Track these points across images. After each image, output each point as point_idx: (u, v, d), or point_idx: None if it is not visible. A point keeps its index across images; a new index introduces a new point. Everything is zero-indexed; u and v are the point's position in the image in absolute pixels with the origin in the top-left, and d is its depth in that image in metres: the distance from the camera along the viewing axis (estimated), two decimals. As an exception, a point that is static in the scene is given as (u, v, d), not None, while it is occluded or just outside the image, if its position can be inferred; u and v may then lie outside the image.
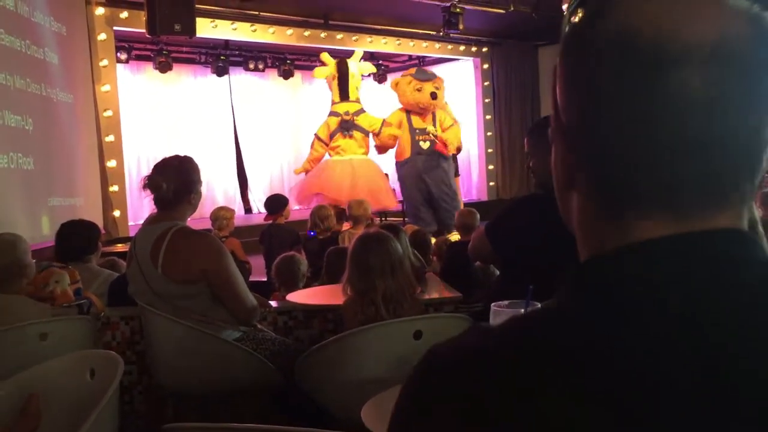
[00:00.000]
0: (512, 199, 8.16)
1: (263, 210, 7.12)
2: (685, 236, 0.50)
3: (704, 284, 0.49)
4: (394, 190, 9.23)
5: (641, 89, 0.49)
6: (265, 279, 4.95)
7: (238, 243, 5.17)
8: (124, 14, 8.14)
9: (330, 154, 8.61)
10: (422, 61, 11.83)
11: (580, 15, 0.54)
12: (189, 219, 2.76)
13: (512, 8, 9.52)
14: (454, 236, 6.32)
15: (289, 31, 9.75)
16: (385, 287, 2.45)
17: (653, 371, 0.46)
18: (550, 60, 12.14)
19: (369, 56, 10.30)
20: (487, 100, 12.21)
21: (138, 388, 3.09)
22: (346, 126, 8.45)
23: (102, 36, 7.97)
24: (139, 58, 10.29)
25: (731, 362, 0.46)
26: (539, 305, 0.81)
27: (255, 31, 9.40)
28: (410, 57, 11.77)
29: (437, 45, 11.29)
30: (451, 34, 9.65)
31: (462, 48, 11.73)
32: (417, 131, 8.59)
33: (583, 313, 0.51)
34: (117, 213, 8.03)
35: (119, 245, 6.83)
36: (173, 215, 2.65)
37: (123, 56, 9.45)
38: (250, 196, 12.14)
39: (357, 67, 8.79)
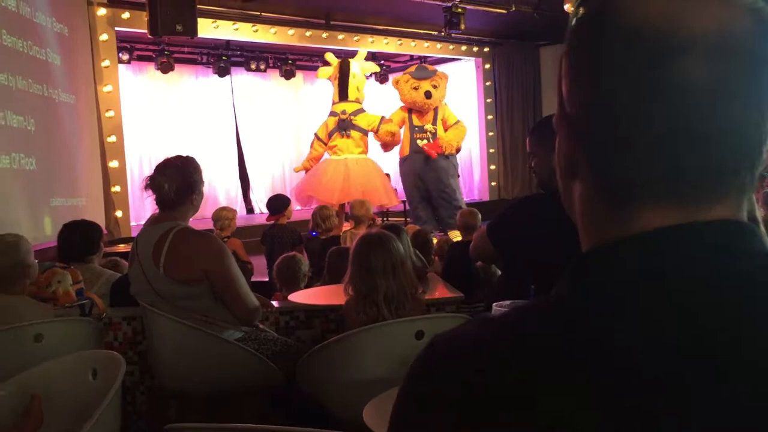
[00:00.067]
0: (514, 199, 8.13)
1: (265, 210, 7.13)
2: (685, 227, 0.51)
3: (703, 276, 0.49)
4: (396, 189, 9.24)
5: (644, 78, 0.50)
6: (266, 279, 4.95)
7: (239, 243, 5.17)
8: (126, 15, 8.15)
9: (329, 154, 8.63)
10: (424, 62, 11.82)
11: (587, 7, 0.55)
12: (191, 219, 2.76)
13: (514, 8, 9.52)
14: (455, 235, 6.33)
15: (291, 31, 9.75)
16: (386, 287, 2.45)
17: (651, 365, 0.47)
18: (551, 60, 12.15)
19: (371, 56, 10.30)
20: (488, 100, 12.20)
21: (140, 388, 3.09)
22: (344, 126, 8.47)
23: (104, 36, 7.98)
24: (140, 58, 10.30)
25: (731, 355, 0.46)
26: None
27: (256, 31, 9.41)
28: (411, 57, 11.77)
29: (439, 45, 11.29)
30: (453, 34, 9.64)
31: (463, 48, 11.73)
32: (416, 129, 8.60)
33: (581, 305, 0.51)
34: (119, 213, 8.04)
35: (121, 245, 6.84)
36: (175, 216, 2.65)
37: (125, 57, 9.45)
38: (252, 197, 12.14)
39: (359, 66, 8.79)
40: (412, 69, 8.98)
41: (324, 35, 10.04)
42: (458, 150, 8.79)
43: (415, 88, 8.50)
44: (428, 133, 8.50)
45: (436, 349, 0.55)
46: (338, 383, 2.42)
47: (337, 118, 8.54)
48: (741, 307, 0.48)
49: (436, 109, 8.62)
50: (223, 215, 5.47)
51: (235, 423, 1.58)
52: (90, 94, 7.60)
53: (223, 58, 10.52)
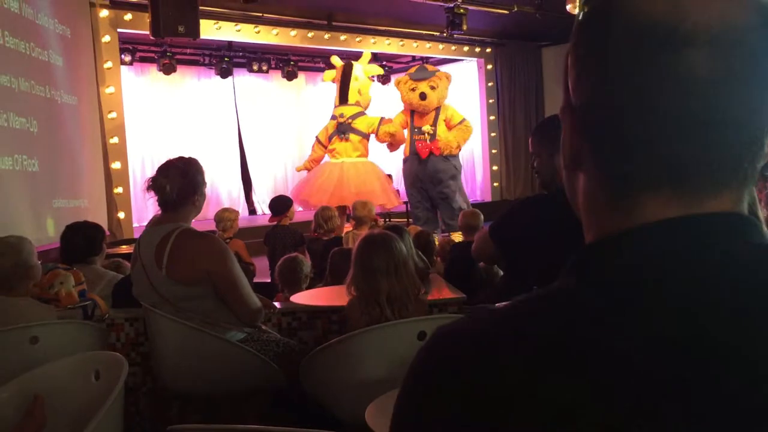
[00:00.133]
0: (516, 200, 8.12)
1: (267, 211, 7.14)
2: (685, 220, 0.51)
3: (704, 271, 0.49)
4: (398, 191, 9.24)
5: (648, 69, 0.51)
6: (269, 280, 4.95)
7: (242, 244, 5.17)
8: (128, 16, 8.16)
9: (328, 157, 8.68)
10: (426, 62, 11.83)
11: (595, 2, 0.56)
12: (193, 221, 2.76)
13: (516, 9, 9.52)
14: (457, 237, 6.33)
15: (293, 32, 9.76)
16: (389, 288, 2.45)
17: (651, 364, 0.47)
18: (553, 60, 12.14)
19: (373, 57, 10.30)
20: (490, 101, 12.20)
21: (143, 389, 3.09)
22: (342, 129, 8.52)
23: (106, 38, 8.00)
24: (143, 60, 10.32)
25: (731, 353, 0.46)
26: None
27: (258, 32, 9.42)
28: (414, 58, 11.78)
29: (441, 46, 11.29)
30: (455, 35, 9.64)
31: (466, 49, 11.73)
32: (415, 131, 8.59)
33: (583, 301, 0.51)
34: (121, 214, 8.05)
35: (124, 247, 6.85)
36: (177, 217, 2.65)
37: (127, 58, 9.48)
38: (254, 198, 12.14)
39: (362, 69, 8.79)
40: (413, 70, 8.98)
41: (326, 36, 10.05)
42: (458, 147, 8.64)
43: (413, 90, 8.50)
44: (426, 134, 8.49)
45: (436, 347, 0.55)
46: (340, 384, 2.41)
47: (336, 121, 8.59)
48: (741, 304, 0.48)
49: (437, 110, 8.58)
50: (225, 216, 5.47)
51: (237, 424, 1.59)
52: (92, 95, 7.61)
53: (225, 60, 10.54)
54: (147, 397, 3.10)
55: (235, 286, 2.62)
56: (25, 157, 5.71)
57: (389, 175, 9.24)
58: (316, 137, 8.91)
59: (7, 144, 5.45)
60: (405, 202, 9.10)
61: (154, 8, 6.92)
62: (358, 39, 10.35)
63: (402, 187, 9.41)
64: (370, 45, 10.29)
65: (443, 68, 12.07)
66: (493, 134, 12.23)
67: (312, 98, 12.69)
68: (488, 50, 12.01)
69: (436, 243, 4.67)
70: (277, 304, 3.26)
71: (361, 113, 8.63)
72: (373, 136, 8.65)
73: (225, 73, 10.71)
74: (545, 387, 0.48)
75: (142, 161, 10.55)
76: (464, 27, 9.19)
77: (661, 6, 0.51)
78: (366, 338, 2.33)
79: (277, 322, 3.14)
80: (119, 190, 8.04)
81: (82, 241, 3.57)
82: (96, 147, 7.59)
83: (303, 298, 3.32)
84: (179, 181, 2.62)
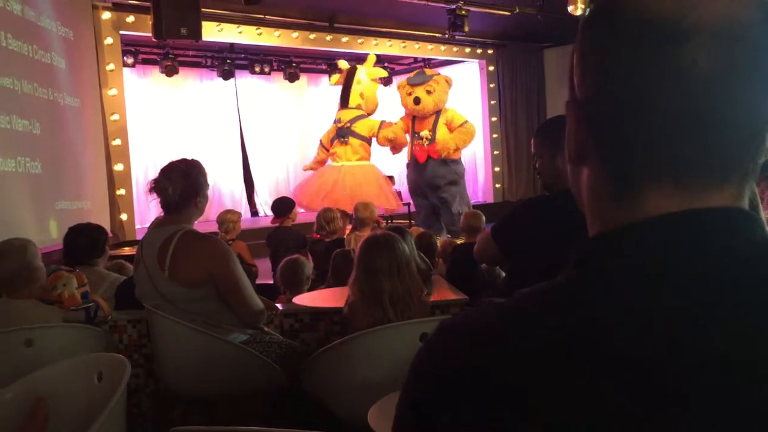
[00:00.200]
0: (518, 201, 8.10)
1: (269, 213, 7.15)
2: (687, 214, 0.52)
3: (704, 268, 0.50)
4: (400, 192, 9.24)
5: (651, 63, 0.51)
6: (271, 282, 4.95)
7: (244, 246, 5.18)
8: (131, 18, 8.17)
9: (331, 160, 8.73)
10: (428, 64, 11.84)
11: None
12: (196, 222, 2.76)
13: (517, 10, 9.51)
14: (460, 239, 6.32)
15: (295, 34, 9.77)
16: (392, 289, 2.45)
17: (650, 365, 0.47)
18: (555, 62, 12.14)
19: (376, 59, 10.32)
20: (492, 102, 12.20)
21: (145, 391, 3.09)
22: (342, 133, 8.57)
23: (109, 40, 8.01)
24: (145, 62, 10.34)
25: (731, 354, 0.46)
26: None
27: (260, 34, 9.43)
28: (415, 59, 11.78)
29: (442, 47, 11.29)
30: (456, 37, 9.65)
31: (467, 50, 11.73)
32: (416, 135, 8.58)
33: (583, 299, 0.51)
34: (124, 216, 8.06)
35: (126, 248, 6.86)
36: (180, 219, 2.66)
37: (129, 60, 9.49)
38: (257, 199, 12.15)
39: (366, 72, 8.79)
40: (412, 75, 8.95)
41: (328, 38, 10.05)
42: (456, 149, 8.52)
43: (409, 94, 8.50)
44: (424, 139, 8.47)
45: (438, 345, 0.56)
46: (343, 386, 2.41)
47: (336, 125, 8.64)
48: (742, 302, 0.48)
49: (438, 113, 8.55)
50: (227, 218, 5.48)
51: (239, 425, 1.58)
52: (95, 97, 7.63)
53: (228, 61, 10.55)
54: (150, 399, 3.10)
55: (238, 288, 2.62)
56: (27, 159, 5.72)
57: (390, 177, 9.23)
58: (320, 140, 8.98)
59: (10, 146, 5.46)
60: (407, 204, 9.10)
61: (156, 10, 6.93)
62: (359, 41, 10.36)
63: (405, 189, 9.40)
64: (372, 47, 10.29)
65: (445, 70, 12.10)
66: (494, 136, 12.23)
67: (314, 100, 12.71)
68: (490, 52, 12.01)
69: (438, 245, 4.67)
70: (279, 306, 3.26)
71: (362, 116, 8.63)
72: (374, 140, 8.67)
73: (227, 75, 10.72)
74: (545, 388, 0.48)
75: (145, 163, 10.56)
76: (466, 28, 9.19)
77: (665, 3, 0.51)
78: (368, 340, 2.33)
79: (279, 323, 3.14)
80: (122, 191, 8.05)
81: (84, 242, 3.57)
82: (98, 149, 7.60)
83: (305, 299, 3.32)
84: (182, 183, 2.63)
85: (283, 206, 5.78)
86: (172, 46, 9.66)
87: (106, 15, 7.97)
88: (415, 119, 8.63)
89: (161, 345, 2.69)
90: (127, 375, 1.81)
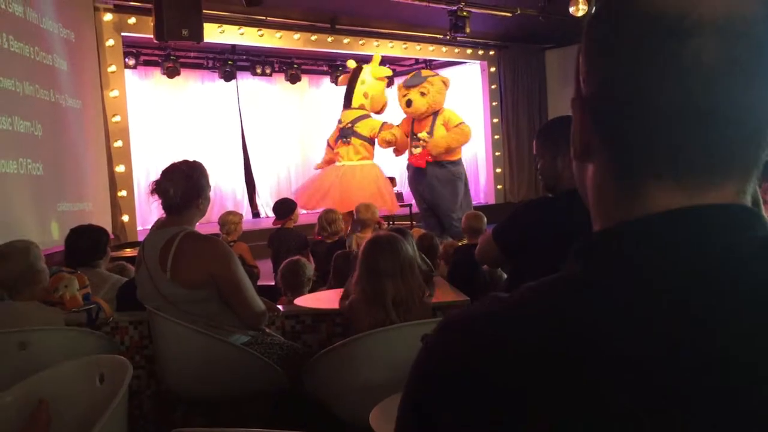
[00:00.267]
0: (520, 203, 8.05)
1: (271, 214, 7.16)
2: (689, 210, 0.52)
3: (704, 263, 0.50)
4: (401, 193, 9.24)
5: (653, 57, 0.51)
6: (273, 283, 4.95)
7: (246, 247, 5.18)
8: (132, 20, 8.18)
9: (336, 160, 8.74)
10: (429, 65, 11.84)
11: None
12: (197, 224, 2.76)
13: (519, 11, 9.52)
14: (462, 241, 6.32)
15: (296, 35, 9.78)
16: (395, 291, 2.45)
17: (649, 366, 0.47)
18: (557, 63, 12.14)
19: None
20: (494, 104, 12.20)
21: (147, 392, 3.09)
22: (344, 134, 8.59)
23: (110, 42, 8.02)
24: (147, 63, 10.36)
25: (732, 355, 0.46)
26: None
27: (262, 35, 9.43)
28: (417, 60, 11.79)
29: (444, 48, 11.30)
30: (458, 38, 9.64)
31: (469, 51, 11.73)
32: (414, 137, 8.57)
33: (584, 297, 0.51)
34: (126, 218, 8.07)
35: (128, 250, 6.86)
36: (181, 220, 2.66)
37: (131, 62, 9.50)
38: (258, 201, 12.16)
39: (370, 72, 8.79)
40: (409, 76, 8.92)
41: (329, 39, 10.06)
42: (448, 149, 8.34)
43: (405, 96, 8.50)
44: (422, 141, 8.46)
45: (438, 343, 0.56)
46: (344, 387, 2.41)
47: (338, 127, 8.67)
48: (742, 301, 0.48)
49: (435, 115, 8.50)
50: (229, 219, 5.48)
51: (240, 427, 1.58)
52: (96, 99, 7.64)
53: (229, 63, 10.56)
54: (151, 400, 3.10)
55: (239, 289, 2.63)
56: (29, 161, 5.73)
57: (392, 178, 9.22)
58: (327, 141, 9.04)
59: (11, 147, 5.47)
60: (408, 205, 9.09)
61: (157, 12, 6.94)
62: (361, 42, 10.37)
63: (407, 190, 9.39)
64: (374, 48, 10.30)
65: (446, 71, 12.10)
66: (496, 137, 12.23)
67: (315, 101, 12.71)
68: (491, 53, 12.02)
69: (440, 246, 4.66)
70: (280, 307, 3.26)
71: (365, 117, 8.63)
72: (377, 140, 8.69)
73: (228, 77, 10.73)
74: (544, 389, 0.48)
75: (146, 165, 10.56)
76: (467, 30, 9.18)
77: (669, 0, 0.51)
78: (369, 341, 2.32)
79: (280, 325, 3.14)
80: (123, 193, 8.06)
81: (86, 244, 3.57)
82: (100, 150, 7.61)
83: (307, 301, 3.32)
84: (183, 184, 2.63)
85: (284, 207, 5.78)
86: (174, 47, 9.67)
87: (108, 17, 7.99)
88: (414, 121, 8.63)
89: (163, 346, 2.69)
90: (128, 377, 1.81)
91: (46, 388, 1.87)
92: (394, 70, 12.12)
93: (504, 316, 0.54)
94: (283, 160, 12.45)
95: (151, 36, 7.35)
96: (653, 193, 0.53)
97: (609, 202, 0.56)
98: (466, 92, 12.28)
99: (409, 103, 8.38)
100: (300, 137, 12.59)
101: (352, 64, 9.02)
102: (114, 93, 8.02)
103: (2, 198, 5.28)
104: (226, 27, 9.01)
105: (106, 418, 1.58)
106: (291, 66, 11.25)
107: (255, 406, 2.80)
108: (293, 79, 11.41)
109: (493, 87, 12.15)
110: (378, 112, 8.86)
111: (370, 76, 8.77)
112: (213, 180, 2.79)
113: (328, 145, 8.94)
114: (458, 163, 8.58)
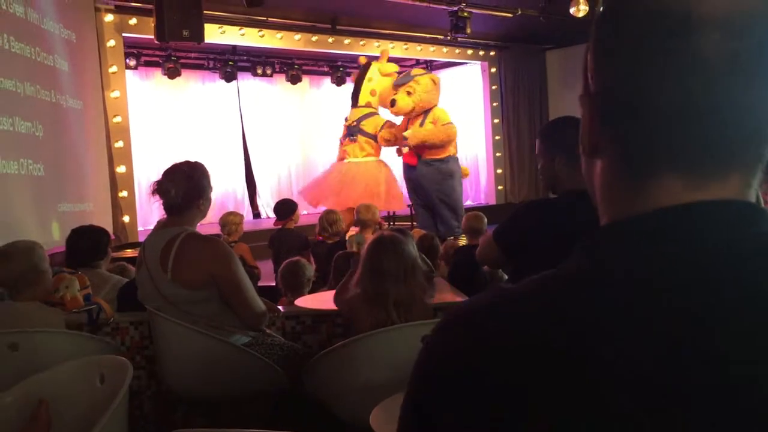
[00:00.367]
0: (521, 203, 8.03)
1: (272, 215, 7.17)
2: (691, 206, 0.52)
3: (706, 259, 0.49)
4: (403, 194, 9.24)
5: (657, 53, 0.51)
6: (273, 284, 4.96)
7: (246, 248, 5.18)
8: (133, 21, 8.19)
9: (344, 157, 8.80)
10: (430, 66, 11.85)
11: None
12: (198, 224, 2.76)
13: (520, 12, 9.52)
14: (461, 240, 6.32)
15: (297, 36, 9.78)
16: (397, 293, 2.45)
17: (652, 361, 0.47)
18: (557, 63, 12.14)
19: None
20: (494, 104, 12.20)
21: (147, 392, 3.09)
22: (351, 131, 8.63)
23: (111, 42, 8.03)
24: (147, 64, 10.36)
25: (731, 350, 0.46)
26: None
27: (263, 36, 9.44)
28: (417, 61, 11.79)
29: (445, 49, 11.30)
30: (459, 38, 9.64)
31: (470, 52, 11.74)
32: (405, 137, 8.58)
33: (585, 297, 0.51)
34: (126, 218, 8.07)
35: (129, 250, 6.87)
36: (182, 221, 2.66)
37: (132, 62, 9.50)
38: (259, 201, 12.16)
39: (377, 69, 8.80)
40: (400, 76, 8.89)
41: (330, 40, 10.07)
42: (423, 143, 8.20)
43: (392, 96, 8.51)
44: (407, 140, 8.47)
45: (436, 347, 0.56)
46: (345, 388, 2.41)
47: (345, 124, 8.71)
48: (742, 302, 0.48)
49: (426, 113, 8.47)
50: (230, 220, 5.48)
51: (241, 428, 1.59)
52: (97, 99, 7.64)
53: (230, 63, 10.56)
54: (152, 401, 3.10)
55: (240, 290, 2.63)
56: (30, 162, 5.73)
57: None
58: (339, 139, 9.12)
59: (12, 148, 5.47)
60: (410, 205, 9.09)
61: (158, 13, 6.95)
62: (361, 43, 10.37)
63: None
64: (374, 48, 10.30)
65: (447, 72, 12.11)
66: (497, 137, 12.23)
67: (316, 102, 12.71)
68: (492, 53, 12.02)
69: (441, 247, 4.67)
70: (280, 308, 3.26)
71: (371, 114, 8.65)
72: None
73: (229, 77, 10.73)
74: (545, 388, 0.48)
75: (147, 165, 10.57)
76: (468, 30, 9.18)
77: None
78: (370, 342, 2.32)
79: (281, 325, 3.14)
80: (124, 193, 8.06)
81: (87, 245, 3.57)
82: (101, 151, 7.61)
83: (307, 301, 3.32)
84: (184, 185, 2.63)
85: (285, 208, 5.78)
86: (175, 48, 9.67)
87: (109, 17, 7.99)
88: (409, 120, 8.63)
89: (163, 347, 2.69)
90: (129, 377, 1.81)
91: (47, 389, 1.86)
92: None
93: (506, 309, 0.54)
94: (283, 160, 12.45)
95: (152, 37, 7.36)
96: (655, 190, 0.53)
97: (614, 199, 0.57)
98: (466, 93, 12.28)
99: (393, 103, 8.37)
100: (301, 138, 12.59)
101: (363, 60, 9.05)
102: (115, 93, 8.02)
103: (3, 198, 5.29)
104: (226, 28, 9.01)
105: (106, 418, 1.58)
106: (292, 66, 11.26)
107: (255, 407, 2.80)
108: (294, 80, 11.41)
109: (493, 88, 12.15)
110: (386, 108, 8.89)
111: (378, 73, 8.78)
112: (214, 180, 2.79)
113: (341, 143, 9.02)
114: (447, 161, 8.48)
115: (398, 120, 8.83)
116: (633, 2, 0.54)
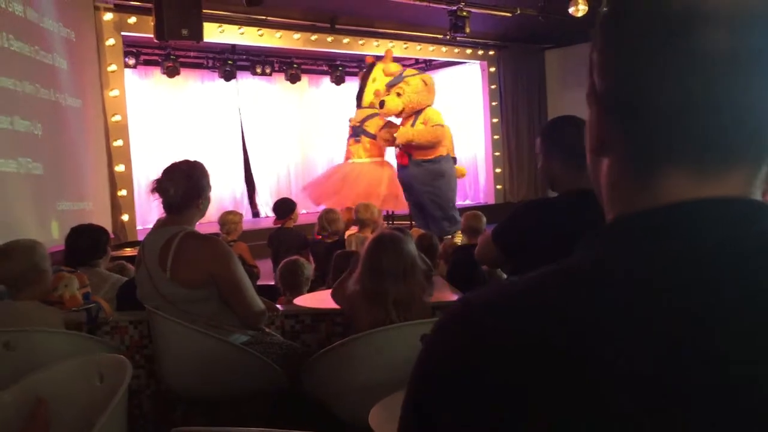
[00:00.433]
0: (520, 203, 8.01)
1: (271, 214, 7.17)
2: (692, 203, 0.52)
3: (707, 258, 0.49)
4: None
5: (665, 48, 0.51)
6: (272, 283, 4.96)
7: (246, 247, 5.18)
8: (132, 20, 8.18)
9: (349, 157, 8.84)
10: (429, 65, 11.84)
11: None
12: (197, 223, 2.76)
13: (518, 11, 9.51)
14: (458, 238, 6.32)
15: (296, 35, 9.77)
16: (396, 291, 2.45)
17: (652, 361, 0.47)
18: (556, 63, 12.14)
19: (375, 60, 10.31)
20: (494, 104, 12.20)
21: (146, 391, 3.09)
22: (355, 132, 8.66)
23: (110, 41, 8.02)
24: (147, 63, 10.35)
25: (731, 350, 0.46)
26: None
27: (262, 35, 9.43)
28: (417, 60, 11.79)
29: (444, 48, 11.30)
30: (458, 38, 9.64)
31: (469, 51, 11.74)
32: None
33: (586, 296, 0.51)
34: (125, 217, 8.07)
35: (128, 249, 6.86)
36: (181, 220, 2.66)
37: (131, 61, 9.50)
38: (258, 200, 12.16)
39: (381, 70, 8.79)
40: (392, 78, 8.87)
41: (329, 39, 10.06)
42: (410, 141, 8.15)
43: (382, 97, 8.50)
44: (396, 139, 8.47)
45: (435, 347, 0.56)
46: (344, 387, 2.41)
47: (350, 125, 8.74)
48: (743, 302, 0.48)
49: (418, 113, 8.38)
50: (229, 219, 5.48)
51: (240, 426, 1.59)
52: (96, 98, 7.64)
53: (229, 62, 10.56)
54: (151, 400, 3.10)
55: (239, 289, 2.63)
56: (29, 160, 5.73)
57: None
58: (347, 139, 9.12)
59: (11, 147, 5.47)
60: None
61: (158, 12, 6.94)
62: (361, 42, 10.36)
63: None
64: (374, 48, 10.30)
65: (446, 71, 12.12)
66: (496, 137, 12.23)
67: (315, 101, 12.71)
68: (491, 53, 12.02)
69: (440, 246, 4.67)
70: (279, 307, 3.26)
71: (375, 115, 8.64)
72: None
73: (228, 76, 10.73)
74: (545, 387, 0.48)
75: (146, 164, 10.56)
76: (467, 30, 9.18)
77: None
78: (369, 341, 2.33)
79: (280, 324, 3.14)
80: (123, 192, 8.06)
81: (86, 243, 3.57)
82: (100, 150, 7.61)
83: (306, 301, 3.32)
84: (184, 184, 2.63)
85: (284, 207, 5.78)
86: (174, 47, 9.66)
87: (108, 16, 7.98)
88: (404, 121, 8.63)
89: (162, 346, 2.69)
90: (128, 376, 1.81)
91: (46, 388, 1.86)
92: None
93: (504, 305, 0.54)
94: (282, 159, 12.45)
95: (152, 35, 7.35)
96: (657, 189, 0.53)
97: (618, 197, 0.57)
98: (465, 92, 12.29)
99: (381, 104, 8.34)
100: (300, 137, 12.59)
101: (370, 60, 9.04)
102: (114, 92, 8.02)
103: (2, 197, 5.29)
104: (226, 26, 9.01)
105: (105, 417, 1.59)
106: (291, 66, 11.25)
107: (254, 406, 2.80)
108: (293, 79, 11.41)
109: (492, 87, 12.15)
110: None
111: (381, 74, 8.77)
112: (213, 179, 2.79)
113: (348, 143, 9.06)
114: (437, 161, 8.39)
115: (398, 121, 8.83)
116: (634, 2, 0.54)
